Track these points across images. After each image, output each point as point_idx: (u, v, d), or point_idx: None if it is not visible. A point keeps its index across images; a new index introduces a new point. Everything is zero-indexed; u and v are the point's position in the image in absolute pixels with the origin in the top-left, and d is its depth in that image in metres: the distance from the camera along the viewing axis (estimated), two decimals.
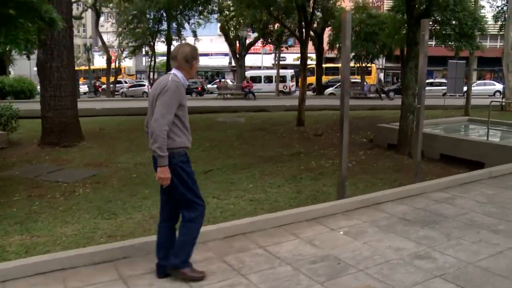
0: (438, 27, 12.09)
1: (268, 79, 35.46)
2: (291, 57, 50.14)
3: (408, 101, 9.40)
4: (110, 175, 8.40)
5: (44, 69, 10.89)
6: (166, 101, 3.22)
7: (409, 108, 9.40)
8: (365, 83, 28.30)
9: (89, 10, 33.77)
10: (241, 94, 26.80)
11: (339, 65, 38.10)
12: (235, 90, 28.32)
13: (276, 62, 47.83)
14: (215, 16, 30.76)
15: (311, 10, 14.05)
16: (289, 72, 35.11)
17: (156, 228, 3.70)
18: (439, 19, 12.04)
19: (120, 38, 24.36)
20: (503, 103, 16.58)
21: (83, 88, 38.51)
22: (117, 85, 36.88)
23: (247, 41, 31.65)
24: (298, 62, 46.78)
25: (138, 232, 5.16)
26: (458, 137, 9.76)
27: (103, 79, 40.46)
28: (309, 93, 34.63)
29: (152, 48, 16.94)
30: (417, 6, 8.97)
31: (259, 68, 45.15)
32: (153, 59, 17.36)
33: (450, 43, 12.50)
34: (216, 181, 7.74)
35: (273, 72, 36.76)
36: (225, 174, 8.26)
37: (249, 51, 37.59)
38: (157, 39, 17.14)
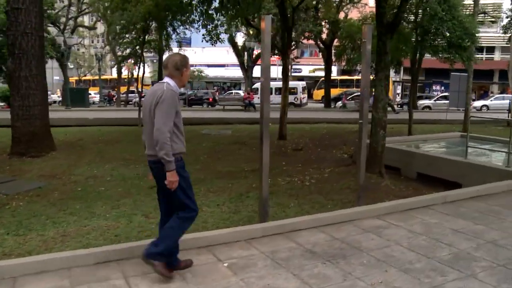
0: (429, 37, 11.30)
1: (279, 90, 34.89)
2: (307, 68, 49.59)
3: (378, 115, 8.73)
4: (55, 188, 8.05)
5: (13, 79, 10.72)
6: (165, 109, 3.39)
7: (379, 123, 8.73)
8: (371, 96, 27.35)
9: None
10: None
11: (355, 77, 37.54)
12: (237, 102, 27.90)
13: (291, 74, 47.89)
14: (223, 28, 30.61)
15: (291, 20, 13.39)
16: (300, 84, 34.53)
17: None
18: (431, 29, 11.25)
19: (111, 47, 24.44)
20: (510, 119, 15.51)
21: (96, 97, 39.25)
22: (130, 94, 37.19)
23: (255, 52, 31.22)
24: (315, 74, 46.51)
25: (38, 251, 4.84)
26: (435, 155, 8.99)
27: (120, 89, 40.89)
28: (319, 105, 34.22)
29: (141, 57, 16.71)
30: (386, 13, 8.30)
31: (274, 79, 44.72)
32: (141, 68, 17.11)
33: (439, 54, 11.65)
34: (154, 198, 7.23)
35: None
36: None
37: (259, 63, 37.08)
38: (145, 49, 16.92)
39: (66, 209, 6.74)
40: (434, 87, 40.05)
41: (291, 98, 33.76)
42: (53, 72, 27.34)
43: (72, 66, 41.43)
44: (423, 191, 7.96)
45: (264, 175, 5.24)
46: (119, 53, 18.36)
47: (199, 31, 15.10)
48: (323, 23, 25.41)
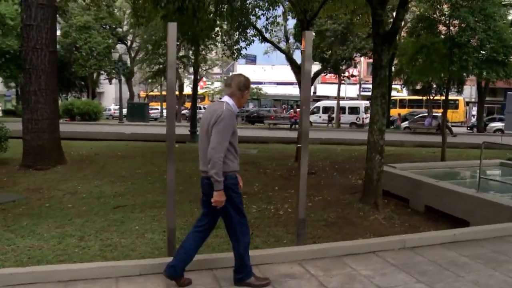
0: (458, 51, 9.69)
1: (342, 110, 33.56)
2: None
3: (374, 138, 7.55)
4: (27, 202, 7.94)
5: (24, 93, 11.03)
6: (222, 129, 3.48)
7: (374, 146, 7.55)
8: (427, 117, 25.07)
9: None
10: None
11: (424, 97, 34.94)
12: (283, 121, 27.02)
13: (358, 93, 46.08)
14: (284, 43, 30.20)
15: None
16: (363, 103, 32.91)
17: None
18: (461, 41, 9.66)
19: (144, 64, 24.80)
20: None
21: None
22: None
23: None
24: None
25: None
26: (443, 186, 7.55)
27: (187, 105, 42.07)
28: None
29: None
30: (383, 21, 7.20)
31: (342, 99, 43.28)
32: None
33: (468, 69, 9.90)
34: (108, 219, 6.81)
35: (347, 103, 34.83)
36: (130, 212, 7.28)
37: (324, 81, 36.10)
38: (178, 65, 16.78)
39: (11, 225, 6.56)
40: None
41: (352, 118, 32.44)
42: (121, 88, 28.48)
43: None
44: (420, 229, 6.71)
45: (169, 203, 4.51)
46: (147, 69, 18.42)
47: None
48: None
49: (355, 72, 37.12)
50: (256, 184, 9.16)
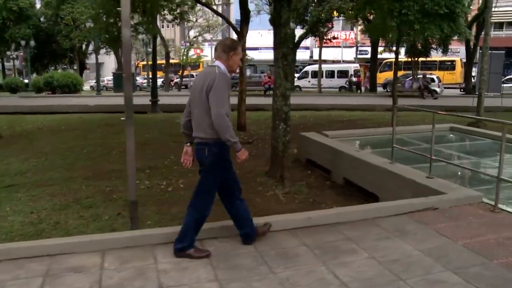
0: (397, 5, 8.70)
1: (331, 74, 32.44)
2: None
3: (277, 105, 6.86)
4: None
5: None
6: (219, 93, 3.41)
7: (278, 114, 6.87)
8: (408, 79, 23.92)
9: None
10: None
11: (421, 59, 33.47)
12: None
13: (355, 56, 44.59)
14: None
15: None
16: (352, 66, 31.75)
17: None
18: None
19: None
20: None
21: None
22: (185, 79, 37.46)
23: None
24: (385, 56, 42.79)
25: None
26: (359, 156, 6.87)
27: (185, 72, 41.37)
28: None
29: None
30: None
31: (339, 62, 41.96)
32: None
33: (409, 24, 8.91)
34: None
35: (336, 66, 33.65)
36: (14, 192, 6.86)
37: (326, 45, 34.69)
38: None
39: None
40: None
41: (341, 82, 31.31)
42: (97, 59, 27.89)
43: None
44: (322, 206, 6.10)
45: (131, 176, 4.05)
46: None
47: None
48: None
49: (348, 35, 35.64)
50: (172, 156, 8.61)
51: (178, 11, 13.15)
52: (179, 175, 7.34)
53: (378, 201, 6.12)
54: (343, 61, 42.46)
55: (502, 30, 42.18)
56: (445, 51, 22.10)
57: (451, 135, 9.47)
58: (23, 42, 31.77)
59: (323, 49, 47.22)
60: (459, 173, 6.65)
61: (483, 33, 13.53)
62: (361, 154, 7.06)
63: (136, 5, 13.01)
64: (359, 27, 15.73)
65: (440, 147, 8.23)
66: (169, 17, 13.86)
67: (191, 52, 41.79)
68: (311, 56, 47.87)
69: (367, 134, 9.53)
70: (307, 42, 41.66)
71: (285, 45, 6.66)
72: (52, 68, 37.54)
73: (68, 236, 4.76)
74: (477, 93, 11.86)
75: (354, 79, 30.35)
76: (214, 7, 14.41)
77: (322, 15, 21.01)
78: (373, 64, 27.77)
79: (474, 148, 8.49)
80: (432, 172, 5.68)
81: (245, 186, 6.74)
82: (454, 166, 6.67)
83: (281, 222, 4.22)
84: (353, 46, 44.01)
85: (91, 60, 39.68)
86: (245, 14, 9.92)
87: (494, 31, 42.38)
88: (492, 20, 40.82)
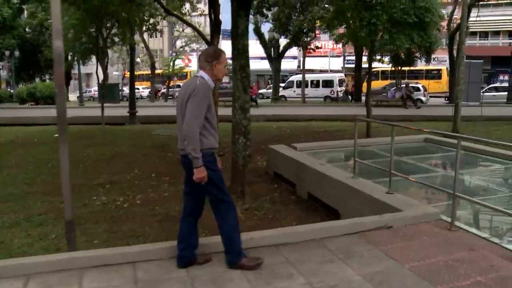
0: (365, 14, 8.55)
1: (315, 83, 32.35)
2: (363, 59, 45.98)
3: (236, 118, 6.64)
4: None
5: None
6: (196, 103, 3.33)
7: (237, 127, 6.65)
8: (391, 89, 23.84)
9: None
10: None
11: (407, 68, 33.57)
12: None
13: (342, 66, 44.62)
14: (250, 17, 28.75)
15: None
16: (336, 76, 31.68)
17: None
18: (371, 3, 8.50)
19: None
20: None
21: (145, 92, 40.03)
22: (171, 89, 37.22)
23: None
24: (374, 65, 42.88)
25: None
26: (322, 170, 6.66)
27: (171, 83, 41.14)
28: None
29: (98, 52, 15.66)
30: None
31: (326, 71, 41.98)
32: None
33: (377, 34, 8.76)
34: None
35: (320, 76, 33.60)
36: None
37: (312, 54, 34.64)
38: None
39: None
40: (501, 77, 34.53)
41: (327, 91, 31.23)
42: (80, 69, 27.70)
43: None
44: (282, 223, 5.85)
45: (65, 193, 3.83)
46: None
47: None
48: None
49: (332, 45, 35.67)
50: (136, 171, 8.36)
51: (151, 21, 12.98)
52: (139, 190, 7.10)
53: (339, 217, 5.92)
54: (331, 70, 42.52)
55: (487, 39, 42.47)
56: (428, 61, 22.06)
57: (425, 147, 9.30)
58: (7, 53, 31.45)
59: (311, 59, 47.52)
60: (424, 188, 6.44)
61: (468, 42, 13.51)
62: (324, 168, 6.82)
63: (109, 17, 12.93)
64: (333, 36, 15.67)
65: (410, 159, 8.07)
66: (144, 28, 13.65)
67: (180, 62, 41.65)
68: (299, 66, 47.84)
69: (338, 146, 9.30)
70: (295, 51, 41.73)
71: (243, 56, 6.46)
72: (38, 79, 37.18)
73: (9, 257, 4.49)
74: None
75: (340, 88, 30.32)
76: (197, 18, 14.34)
77: (305, 24, 20.92)
78: (357, 74, 27.70)
79: (446, 160, 8.31)
80: (394, 187, 5.49)
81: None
82: (420, 180, 6.49)
83: (218, 244, 3.99)
84: (340, 56, 44.04)
85: (83, 70, 39.59)
86: (216, 25, 9.73)
87: (480, 40, 42.88)
88: (477, 30, 41.62)
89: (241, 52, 6.41)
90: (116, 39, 14.89)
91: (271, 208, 6.56)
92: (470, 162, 7.93)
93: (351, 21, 9.36)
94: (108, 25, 14.17)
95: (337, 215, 6.06)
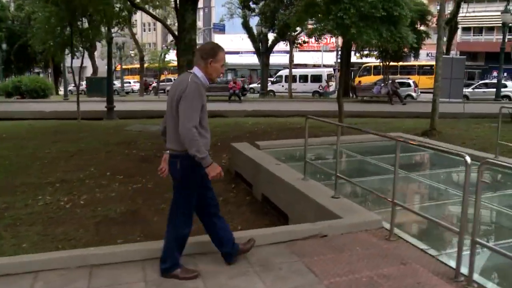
0: (333, 7, 8.21)
1: (304, 78, 32.00)
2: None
3: None
4: None
5: None
6: (189, 106, 3.15)
7: None
8: (377, 85, 23.50)
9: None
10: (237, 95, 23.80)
11: (399, 63, 33.23)
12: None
13: (335, 61, 44.22)
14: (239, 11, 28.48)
15: None
16: (325, 71, 31.34)
17: None
18: None
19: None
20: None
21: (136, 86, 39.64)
22: (162, 83, 36.85)
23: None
24: (363, 60, 42.72)
25: None
26: (274, 171, 6.37)
27: (162, 76, 40.76)
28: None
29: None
30: None
31: (319, 66, 41.63)
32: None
33: (344, 28, 8.39)
34: None
35: (309, 71, 33.25)
36: None
37: (305, 48, 34.27)
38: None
39: None
40: (495, 74, 34.22)
41: (315, 86, 30.90)
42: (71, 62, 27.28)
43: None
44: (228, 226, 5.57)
45: None
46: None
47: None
48: None
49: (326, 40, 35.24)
50: (92, 169, 8.07)
51: (122, 14, 12.66)
52: (87, 190, 6.82)
53: (287, 222, 5.66)
54: (324, 65, 42.15)
55: (481, 35, 42.12)
56: (416, 56, 21.73)
57: (395, 146, 9.01)
58: None
59: (304, 53, 47.13)
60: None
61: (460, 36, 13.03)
62: (277, 169, 6.51)
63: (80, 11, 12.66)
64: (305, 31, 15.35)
65: (374, 159, 7.80)
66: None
67: (173, 56, 41.17)
68: (292, 60, 47.49)
69: (303, 144, 9.02)
70: (287, 46, 41.45)
71: (190, 51, 6.17)
72: (27, 72, 36.79)
73: None
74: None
75: (330, 83, 29.99)
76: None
77: (289, 19, 20.53)
78: (345, 69, 27.32)
79: (412, 161, 8.05)
80: (346, 190, 5.22)
81: (149, 202, 6.34)
82: (373, 183, 6.23)
83: (131, 253, 3.71)
84: (333, 51, 43.66)
85: (75, 64, 39.04)
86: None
87: (473, 35, 42.55)
88: (471, 25, 41.21)
89: (188, 47, 6.12)
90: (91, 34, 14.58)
91: (222, 210, 6.28)
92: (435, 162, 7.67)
93: (319, 15, 9.03)
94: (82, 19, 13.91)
95: (286, 219, 5.80)
